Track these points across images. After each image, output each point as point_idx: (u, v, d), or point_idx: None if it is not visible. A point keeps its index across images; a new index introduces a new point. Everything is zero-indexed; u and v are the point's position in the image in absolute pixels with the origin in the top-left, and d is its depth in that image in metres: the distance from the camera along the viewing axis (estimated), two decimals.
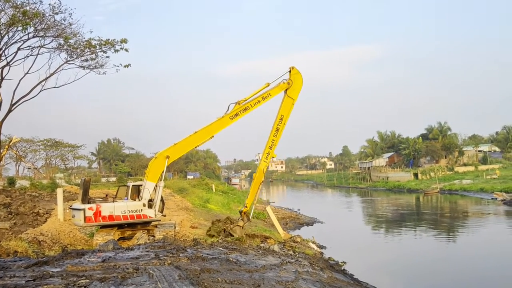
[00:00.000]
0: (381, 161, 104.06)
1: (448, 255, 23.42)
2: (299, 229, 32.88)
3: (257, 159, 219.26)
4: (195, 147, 20.01)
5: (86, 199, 18.12)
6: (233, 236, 18.29)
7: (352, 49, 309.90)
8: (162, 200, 19.17)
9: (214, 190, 57.14)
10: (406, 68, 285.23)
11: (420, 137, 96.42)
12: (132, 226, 18.45)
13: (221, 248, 14.17)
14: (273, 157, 20.14)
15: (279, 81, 19.90)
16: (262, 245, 17.82)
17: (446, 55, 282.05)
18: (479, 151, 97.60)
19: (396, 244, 27.57)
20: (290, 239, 22.18)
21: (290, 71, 19.95)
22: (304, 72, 19.94)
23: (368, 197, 70.44)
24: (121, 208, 17.73)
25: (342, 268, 18.25)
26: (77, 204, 18.29)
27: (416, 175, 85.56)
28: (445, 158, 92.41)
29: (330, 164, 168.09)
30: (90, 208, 17.44)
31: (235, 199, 50.77)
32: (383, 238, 30.57)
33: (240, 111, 19.17)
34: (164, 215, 19.59)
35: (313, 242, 23.32)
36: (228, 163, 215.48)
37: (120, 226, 18.14)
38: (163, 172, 18.52)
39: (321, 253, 21.49)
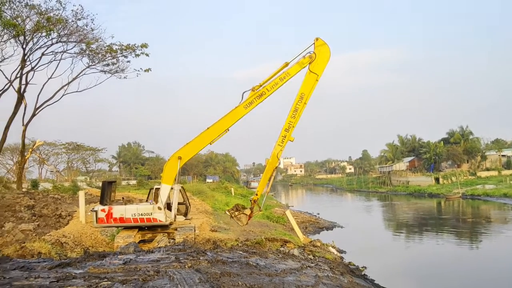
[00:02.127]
0: (402, 165, 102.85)
1: (470, 262, 22.96)
2: (319, 233, 32.65)
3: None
4: (210, 144, 18.13)
5: (103, 200, 18.46)
6: (239, 223, 17.99)
7: (372, 52, 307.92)
8: (184, 203, 19.13)
9: (233, 194, 57.30)
10: (427, 71, 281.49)
11: (442, 141, 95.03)
12: (152, 229, 18.56)
13: (240, 252, 14.17)
14: (290, 141, 17.40)
15: (301, 57, 17.35)
16: (281, 249, 17.74)
17: (469, 57, 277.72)
18: (502, 155, 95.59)
19: (418, 250, 27.14)
20: (310, 243, 22.04)
21: (314, 43, 17.29)
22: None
23: (388, 201, 69.60)
24: (132, 211, 17.77)
25: (363, 273, 18.02)
26: (96, 206, 18.66)
27: (437, 179, 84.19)
28: (467, 162, 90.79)
29: (350, 168, 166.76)
30: (102, 210, 17.74)
31: None
32: (404, 243, 30.13)
33: (255, 98, 17.30)
34: (189, 219, 19.20)
35: (333, 247, 23.12)
36: (247, 167, 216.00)
37: (140, 229, 18.28)
38: (178, 174, 17.88)
39: (341, 257, 21.28)
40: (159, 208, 17.55)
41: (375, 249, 26.95)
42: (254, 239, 18.92)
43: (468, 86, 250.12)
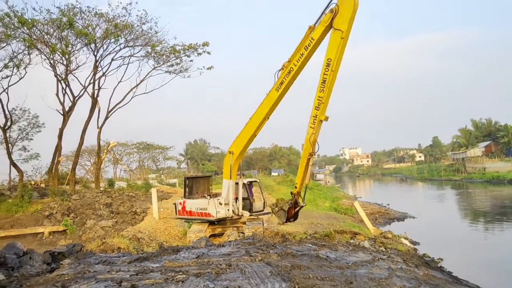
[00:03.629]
0: (477, 151, 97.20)
1: None
2: (389, 224, 31.76)
3: (341, 154, 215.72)
4: (255, 135, 16.82)
5: (186, 194, 19.71)
6: (279, 220, 16.29)
7: (438, 35, 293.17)
8: (248, 198, 19.25)
9: None
10: (500, 53, 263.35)
11: None
12: (222, 223, 19.01)
13: (310, 245, 14.11)
14: (322, 120, 14.30)
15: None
16: (351, 241, 17.47)
17: None
18: None
19: (498, 241, 25.53)
20: (381, 235, 21.51)
21: None
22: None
23: (463, 189, 66.13)
24: (196, 205, 18.67)
25: (439, 265, 17.28)
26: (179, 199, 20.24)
27: None
28: None
29: (420, 156, 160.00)
30: (180, 203, 19.20)
31: (320, 195, 50.35)
32: (483, 234, 28.47)
33: (284, 76, 15.06)
34: (253, 214, 18.83)
35: (405, 238, 22.38)
36: None
37: (211, 223, 18.79)
38: (237, 169, 17.53)
39: (415, 249, 20.56)
40: (220, 203, 17.85)
41: (451, 240, 25.74)
42: (323, 231, 18.76)
43: None
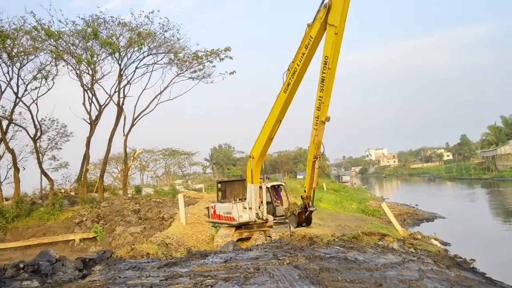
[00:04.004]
0: (508, 148, 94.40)
1: None
2: (419, 225, 31.19)
3: (367, 155, 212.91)
4: (271, 138, 16.59)
5: (218, 198, 20.13)
6: (291, 225, 15.79)
7: (459, 31, 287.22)
8: (271, 203, 19.19)
9: (325, 189, 56.64)
10: None
11: None
12: (249, 227, 19.01)
13: (338, 247, 13.99)
14: (323, 121, 13.75)
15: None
16: (380, 243, 17.22)
17: None
18: None
19: None
20: (410, 236, 21.15)
21: None
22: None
23: (494, 188, 64.35)
24: (223, 209, 18.82)
25: (471, 266, 16.86)
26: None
27: None
28: None
29: (448, 155, 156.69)
30: (212, 207, 19.64)
31: (347, 197, 49.90)
32: None
33: (290, 78, 14.87)
34: (276, 219, 18.82)
35: (435, 239, 21.95)
36: (337, 160, 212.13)
37: (237, 227, 18.83)
38: (259, 173, 17.51)
39: (446, 250, 20.14)
40: (244, 208, 17.89)
41: (484, 240, 25.09)
42: (351, 233, 18.57)
43: None
